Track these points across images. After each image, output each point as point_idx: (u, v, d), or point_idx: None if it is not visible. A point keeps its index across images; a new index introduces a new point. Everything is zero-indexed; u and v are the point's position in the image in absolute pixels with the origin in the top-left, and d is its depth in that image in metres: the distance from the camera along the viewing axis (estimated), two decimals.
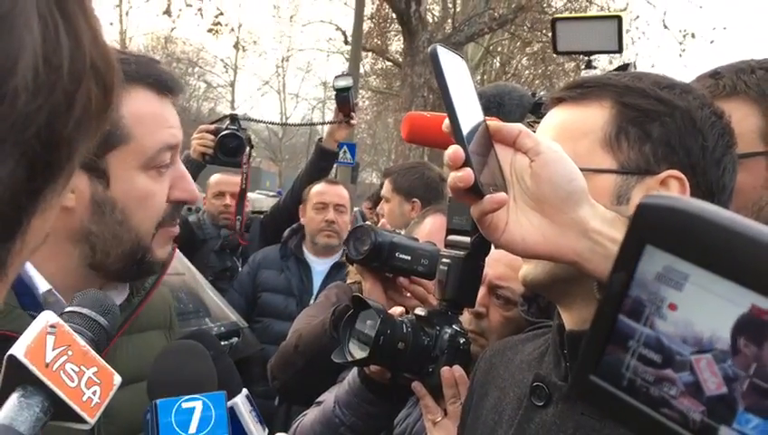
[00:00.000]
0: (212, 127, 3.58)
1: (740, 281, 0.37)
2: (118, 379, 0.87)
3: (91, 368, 0.85)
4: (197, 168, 3.50)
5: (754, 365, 0.36)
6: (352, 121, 3.69)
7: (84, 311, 0.93)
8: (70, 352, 0.83)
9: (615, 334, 0.40)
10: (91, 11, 0.45)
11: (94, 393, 0.84)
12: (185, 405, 0.97)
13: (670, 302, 0.39)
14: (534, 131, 0.93)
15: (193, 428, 0.97)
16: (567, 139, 1.01)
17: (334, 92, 3.68)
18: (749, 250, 0.37)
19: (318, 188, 3.62)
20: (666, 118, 0.99)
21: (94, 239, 1.17)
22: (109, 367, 0.87)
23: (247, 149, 3.52)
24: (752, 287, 0.36)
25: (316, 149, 3.88)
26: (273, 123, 5.41)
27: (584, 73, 1.92)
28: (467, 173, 0.83)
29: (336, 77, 3.68)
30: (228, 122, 3.53)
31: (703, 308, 0.38)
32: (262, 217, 4.29)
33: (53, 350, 0.82)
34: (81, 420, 0.83)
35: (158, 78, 1.22)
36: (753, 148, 1.23)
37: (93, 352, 0.86)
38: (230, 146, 3.48)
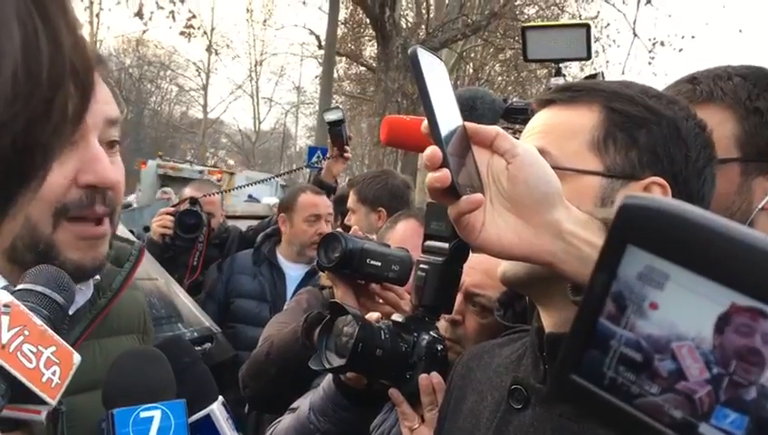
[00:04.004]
0: (171, 209, 3.83)
1: (719, 280, 0.37)
2: (77, 357, 0.84)
3: (50, 347, 0.82)
4: (160, 249, 3.67)
5: (734, 362, 0.37)
6: (346, 155, 3.81)
7: (38, 288, 0.89)
8: (26, 332, 0.80)
9: (596, 334, 0.41)
10: (71, 13, 0.44)
11: (54, 374, 0.81)
12: (143, 415, 0.94)
13: (651, 301, 0.39)
14: None
15: None
16: (556, 138, 1.02)
17: (327, 126, 3.81)
18: (728, 249, 0.37)
19: (309, 199, 3.57)
20: (653, 126, 1.01)
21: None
22: (67, 346, 0.84)
23: (204, 229, 3.77)
24: (731, 286, 0.37)
25: (315, 182, 3.97)
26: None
27: (553, 81, 1.94)
28: (444, 174, 0.84)
29: (325, 111, 3.87)
30: (188, 204, 3.79)
31: (684, 307, 0.38)
32: (246, 230, 4.30)
33: (9, 330, 0.78)
34: (42, 402, 0.80)
35: None
36: (727, 154, 1.25)
37: (51, 331, 0.83)
38: (188, 223, 3.74)
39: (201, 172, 15.45)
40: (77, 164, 1.09)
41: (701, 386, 0.38)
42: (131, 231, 3.92)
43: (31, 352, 0.80)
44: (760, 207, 1.26)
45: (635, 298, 0.39)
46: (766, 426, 0.36)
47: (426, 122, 0.87)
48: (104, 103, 1.15)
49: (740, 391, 0.37)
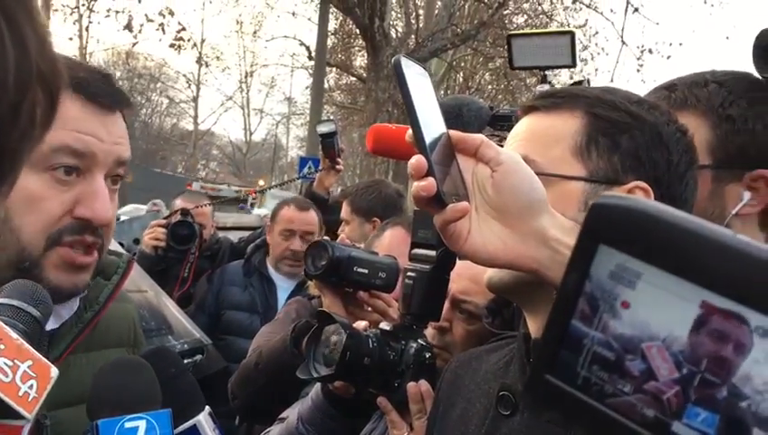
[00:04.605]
0: (163, 221, 3.80)
1: (690, 278, 0.37)
2: (55, 371, 0.84)
3: (26, 361, 0.81)
4: (152, 262, 3.66)
5: (705, 361, 0.37)
6: (338, 167, 3.79)
7: (14, 302, 0.90)
8: (2, 346, 0.80)
9: (570, 334, 0.41)
10: (38, 17, 0.43)
11: (31, 387, 0.81)
12: (128, 425, 0.93)
13: (623, 300, 0.39)
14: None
15: None
16: (539, 144, 1.03)
17: (319, 139, 3.79)
18: (698, 247, 0.37)
19: (288, 214, 3.52)
20: (635, 131, 1.02)
21: None
22: (44, 359, 0.83)
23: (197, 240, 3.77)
24: (702, 284, 0.37)
25: (307, 194, 3.95)
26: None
27: (538, 88, 1.96)
28: (430, 183, 0.84)
29: (318, 123, 3.89)
30: (180, 215, 3.76)
31: (655, 306, 0.38)
32: (237, 241, 4.29)
33: None
34: (19, 416, 0.80)
35: (83, 82, 1.13)
36: (700, 161, 1.26)
37: (27, 345, 0.83)
38: (181, 234, 3.73)
39: (237, 192, 16.83)
40: (77, 196, 1.12)
41: (669, 386, 0.38)
42: (121, 243, 3.89)
43: (7, 365, 0.79)
44: (734, 213, 1.26)
45: (607, 297, 0.39)
46: (736, 424, 0.36)
47: (410, 131, 0.87)
48: (119, 144, 1.19)
49: (711, 391, 0.37)
